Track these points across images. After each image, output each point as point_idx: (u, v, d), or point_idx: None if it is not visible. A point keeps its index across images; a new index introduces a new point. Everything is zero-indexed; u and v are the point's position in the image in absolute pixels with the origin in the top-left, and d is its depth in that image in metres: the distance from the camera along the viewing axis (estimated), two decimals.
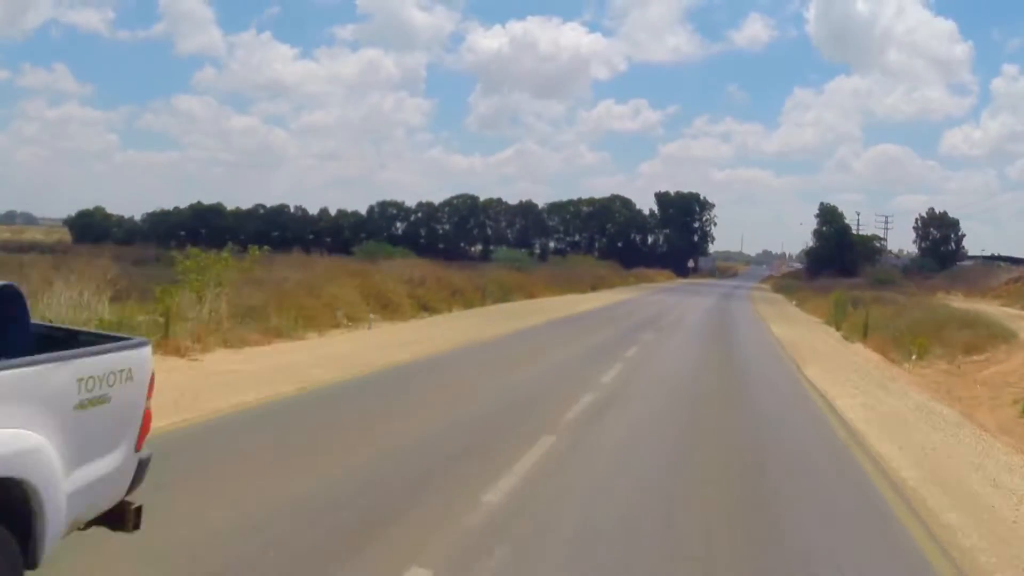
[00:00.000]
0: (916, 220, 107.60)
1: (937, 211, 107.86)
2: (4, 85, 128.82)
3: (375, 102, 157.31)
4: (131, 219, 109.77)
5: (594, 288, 44.66)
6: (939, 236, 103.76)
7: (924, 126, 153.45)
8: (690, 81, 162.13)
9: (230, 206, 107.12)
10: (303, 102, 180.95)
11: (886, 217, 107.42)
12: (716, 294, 50.19)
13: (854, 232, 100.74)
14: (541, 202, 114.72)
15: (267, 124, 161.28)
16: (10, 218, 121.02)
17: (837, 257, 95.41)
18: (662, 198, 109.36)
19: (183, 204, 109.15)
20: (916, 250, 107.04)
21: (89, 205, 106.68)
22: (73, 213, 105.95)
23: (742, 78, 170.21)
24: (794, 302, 44.44)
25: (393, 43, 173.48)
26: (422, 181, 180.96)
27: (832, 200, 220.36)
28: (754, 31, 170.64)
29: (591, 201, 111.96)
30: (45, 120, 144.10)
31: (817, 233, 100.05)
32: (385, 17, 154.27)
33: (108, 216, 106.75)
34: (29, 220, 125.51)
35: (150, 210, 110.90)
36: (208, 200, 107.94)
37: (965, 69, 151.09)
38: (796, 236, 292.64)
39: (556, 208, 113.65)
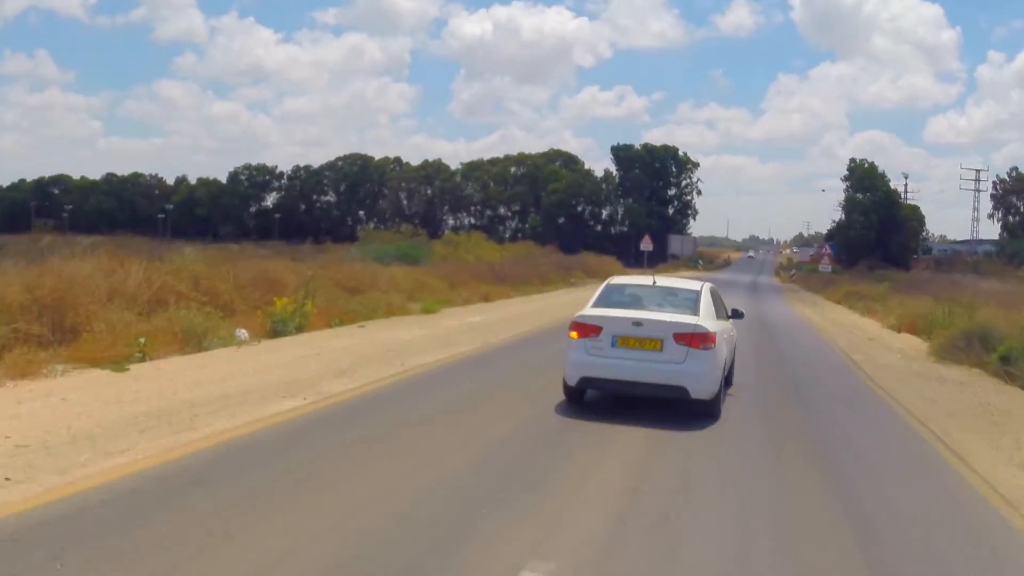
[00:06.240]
0: (994, 185, 73.66)
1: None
2: None
3: (359, 88, 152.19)
4: None
5: None
6: None
7: (911, 113, 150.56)
8: (675, 67, 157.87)
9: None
10: (286, 88, 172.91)
11: (976, 171, 69.37)
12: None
13: (903, 202, 67.30)
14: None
15: (250, 110, 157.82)
16: None
17: (880, 239, 62.25)
18: (621, 153, 75.10)
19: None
20: (996, 227, 73.02)
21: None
22: None
23: (727, 64, 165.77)
24: None
25: (376, 27, 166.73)
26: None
27: (819, 185, 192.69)
28: (739, 17, 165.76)
29: (522, 159, 78.38)
30: (26, 106, 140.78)
31: (849, 204, 66.24)
32: (368, 0, 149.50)
33: None
34: None
35: None
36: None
37: (952, 56, 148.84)
38: (785, 222, 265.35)
39: (473, 169, 79.95)
